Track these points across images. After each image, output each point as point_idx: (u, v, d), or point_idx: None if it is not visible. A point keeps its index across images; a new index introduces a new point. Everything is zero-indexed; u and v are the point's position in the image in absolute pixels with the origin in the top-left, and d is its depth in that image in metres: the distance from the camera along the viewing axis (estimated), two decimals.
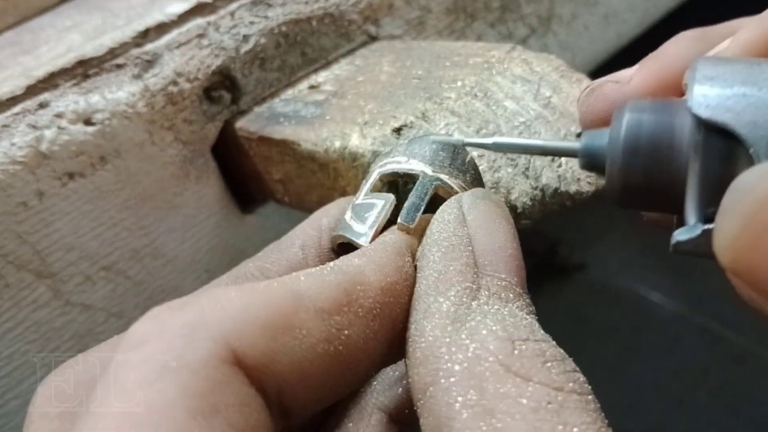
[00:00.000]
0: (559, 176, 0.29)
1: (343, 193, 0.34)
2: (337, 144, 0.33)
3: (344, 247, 0.25)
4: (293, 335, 0.20)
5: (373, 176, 0.27)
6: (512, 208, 0.29)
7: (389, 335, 0.21)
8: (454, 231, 0.23)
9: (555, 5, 0.51)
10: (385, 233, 0.24)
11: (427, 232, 0.23)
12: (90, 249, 0.36)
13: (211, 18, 0.39)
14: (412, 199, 0.25)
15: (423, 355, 0.20)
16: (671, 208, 0.23)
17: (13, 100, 0.35)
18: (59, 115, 0.35)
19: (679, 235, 0.21)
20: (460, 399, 0.18)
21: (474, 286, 0.21)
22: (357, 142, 0.32)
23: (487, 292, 0.21)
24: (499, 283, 0.21)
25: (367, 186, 0.26)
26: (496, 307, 0.21)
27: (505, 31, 0.49)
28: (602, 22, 0.56)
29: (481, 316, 0.20)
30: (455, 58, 0.36)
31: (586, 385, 0.19)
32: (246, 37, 0.39)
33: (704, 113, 0.20)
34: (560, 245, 0.73)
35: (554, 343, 0.20)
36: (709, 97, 0.21)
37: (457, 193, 0.25)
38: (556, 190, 0.29)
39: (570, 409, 0.18)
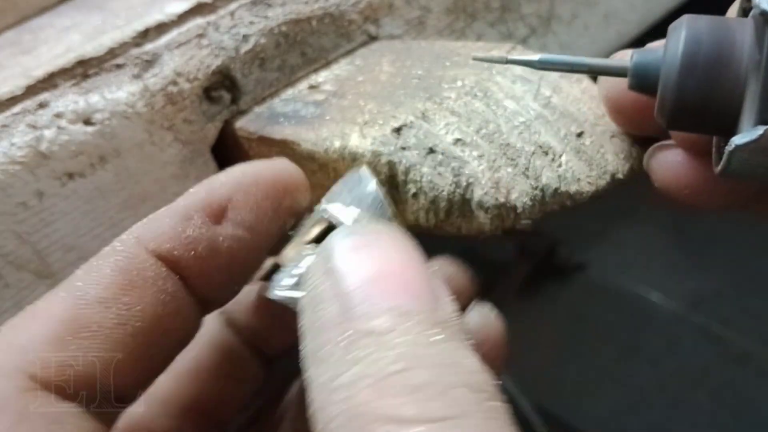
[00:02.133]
0: (559, 176, 0.29)
1: None
2: (337, 144, 0.33)
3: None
4: (84, 335, 0.21)
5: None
6: (512, 208, 0.29)
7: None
8: (320, 280, 0.21)
9: (555, 5, 0.51)
10: None
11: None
12: (90, 249, 0.36)
13: (211, 18, 0.39)
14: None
15: (312, 405, 0.19)
16: (721, 129, 0.22)
17: (13, 100, 0.35)
18: (59, 115, 0.35)
19: (738, 139, 0.21)
20: None
21: (346, 333, 0.19)
22: (357, 142, 0.32)
23: (360, 334, 0.19)
24: (376, 317, 0.19)
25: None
26: (369, 351, 0.19)
27: (505, 31, 0.49)
28: (602, 22, 0.56)
29: (353, 364, 0.19)
30: (455, 58, 0.36)
31: (467, 405, 0.18)
32: (246, 37, 0.39)
33: None
34: (560, 245, 0.73)
35: (432, 362, 0.18)
36: None
37: None
38: (556, 190, 0.29)
39: None
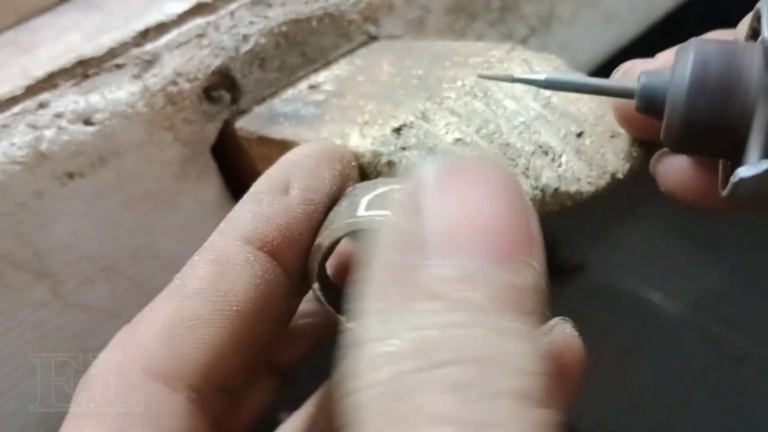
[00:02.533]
0: (559, 176, 0.29)
1: None
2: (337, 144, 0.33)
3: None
4: (187, 324, 0.23)
5: None
6: None
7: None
8: (406, 207, 0.18)
9: (555, 5, 0.51)
10: None
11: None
12: (89, 249, 0.36)
13: (211, 18, 0.39)
14: None
15: (349, 354, 0.17)
16: (728, 154, 0.22)
17: (13, 100, 0.35)
18: (59, 115, 0.35)
19: (744, 171, 0.21)
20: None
21: (411, 287, 0.16)
22: (357, 142, 0.32)
23: (424, 296, 0.16)
24: (445, 273, 0.16)
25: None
26: (425, 321, 0.16)
27: (505, 31, 0.49)
28: (602, 23, 0.56)
29: (405, 331, 0.16)
30: (455, 58, 0.36)
31: (508, 414, 0.15)
32: (246, 37, 0.39)
33: None
34: (560, 245, 0.73)
35: (483, 357, 0.15)
36: None
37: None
38: (556, 190, 0.29)
39: None
